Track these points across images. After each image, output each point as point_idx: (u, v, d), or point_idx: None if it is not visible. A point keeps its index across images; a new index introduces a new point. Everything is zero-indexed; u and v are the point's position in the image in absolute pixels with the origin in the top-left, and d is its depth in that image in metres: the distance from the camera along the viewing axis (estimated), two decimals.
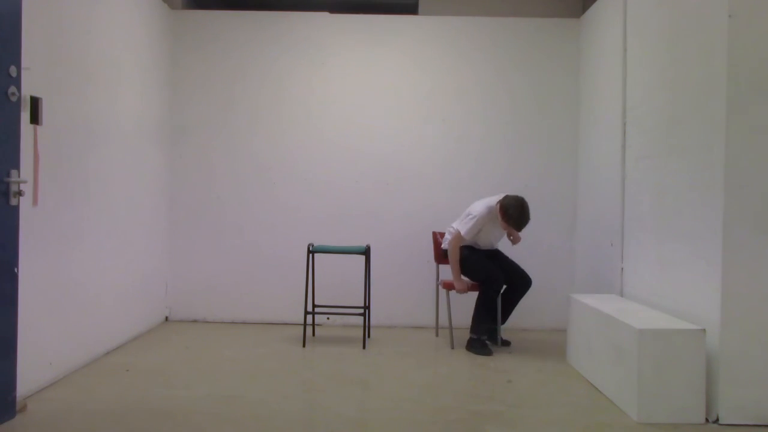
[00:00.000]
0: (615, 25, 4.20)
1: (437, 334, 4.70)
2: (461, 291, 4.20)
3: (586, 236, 4.75)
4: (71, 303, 3.44)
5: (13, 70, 2.67)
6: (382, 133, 5.02)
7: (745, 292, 2.82)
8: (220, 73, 5.01)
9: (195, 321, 5.01)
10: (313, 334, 4.62)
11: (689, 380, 2.86)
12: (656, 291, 3.47)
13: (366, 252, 4.27)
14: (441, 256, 4.56)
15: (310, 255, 4.39)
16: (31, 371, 3.01)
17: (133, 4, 4.25)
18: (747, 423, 2.82)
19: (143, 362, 3.72)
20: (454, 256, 4.20)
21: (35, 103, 2.98)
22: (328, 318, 4.96)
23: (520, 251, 4.47)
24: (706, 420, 2.88)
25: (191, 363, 3.73)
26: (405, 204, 5.01)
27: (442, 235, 4.55)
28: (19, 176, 2.70)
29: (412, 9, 5.24)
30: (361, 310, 4.63)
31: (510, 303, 4.33)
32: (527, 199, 4.18)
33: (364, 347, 4.22)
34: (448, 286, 4.31)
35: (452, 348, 4.27)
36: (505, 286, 4.27)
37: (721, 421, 2.83)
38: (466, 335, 4.27)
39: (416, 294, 4.98)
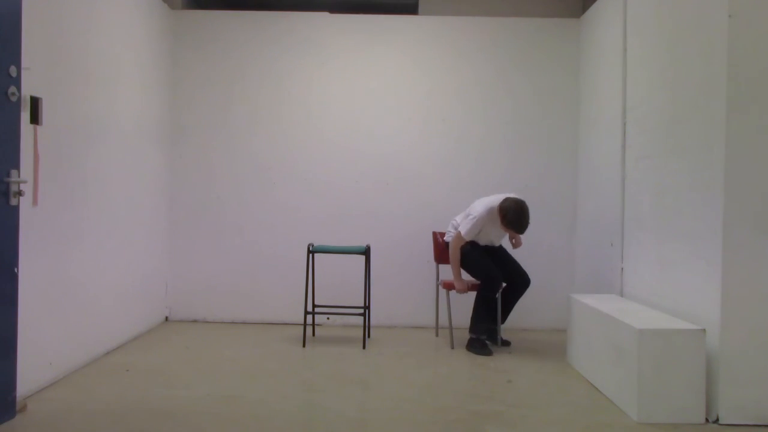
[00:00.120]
0: (615, 25, 4.20)
1: (437, 334, 4.70)
2: (461, 291, 4.20)
3: (586, 236, 4.75)
4: (71, 303, 3.44)
5: (13, 70, 2.67)
6: (382, 133, 5.02)
7: (745, 292, 2.82)
8: (220, 73, 5.01)
9: (195, 321, 5.01)
10: (313, 334, 4.62)
11: (689, 380, 2.86)
12: (656, 291, 3.47)
13: (366, 252, 4.27)
14: (441, 256, 4.56)
15: (310, 255, 4.39)
16: (31, 371, 3.01)
17: (133, 4, 4.25)
18: (747, 423, 2.82)
19: (143, 362, 3.72)
20: (454, 256, 4.20)
21: (35, 103, 2.98)
22: (328, 318, 4.96)
23: (520, 251, 4.46)
24: (706, 420, 2.88)
25: (191, 363, 3.73)
26: (405, 204, 5.01)
27: (442, 235, 4.55)
28: (19, 176, 2.70)
29: (412, 9, 5.24)
30: (361, 310, 4.63)
31: (509, 302, 4.33)
32: (527, 199, 4.17)
33: (364, 347, 4.22)
34: (448, 286, 4.31)
35: (452, 348, 4.27)
36: (504, 284, 4.27)
37: (721, 421, 2.83)
38: (466, 335, 4.27)
39: (416, 294, 4.98)
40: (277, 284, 4.99)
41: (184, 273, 5.01)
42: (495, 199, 4.18)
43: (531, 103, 5.00)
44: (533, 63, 5.00)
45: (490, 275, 4.11)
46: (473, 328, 4.19)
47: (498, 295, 4.22)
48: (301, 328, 4.52)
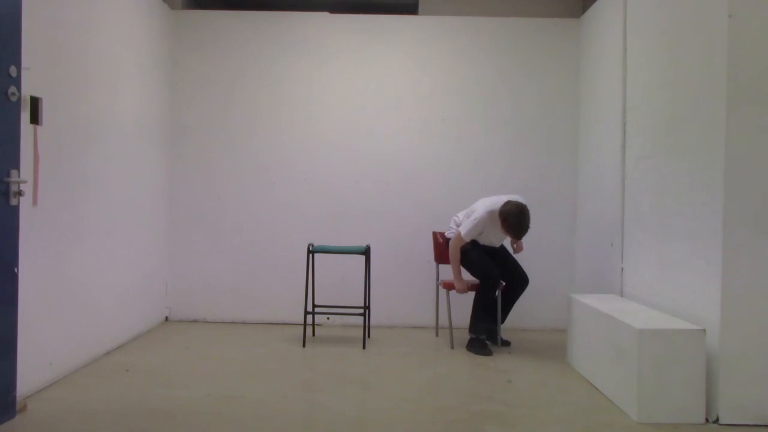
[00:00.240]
0: (615, 25, 4.20)
1: (437, 334, 4.70)
2: (461, 291, 4.20)
3: (586, 236, 4.75)
4: (71, 303, 3.44)
5: (13, 70, 2.67)
6: (382, 133, 5.02)
7: (745, 292, 2.82)
8: (220, 73, 5.01)
9: (195, 321, 5.01)
10: (313, 334, 4.62)
11: (689, 380, 2.86)
12: (656, 291, 3.47)
13: (366, 252, 4.27)
14: (441, 256, 4.56)
15: (310, 255, 4.39)
16: (31, 371, 3.01)
17: (133, 3, 4.25)
18: (747, 423, 2.82)
19: (143, 362, 3.72)
20: (454, 256, 4.20)
21: (35, 103, 2.98)
22: (328, 318, 4.97)
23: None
24: (706, 420, 2.88)
25: (191, 363, 3.73)
26: (405, 204, 5.01)
27: (443, 234, 4.54)
28: (19, 176, 2.70)
29: (412, 9, 5.24)
30: (361, 310, 4.63)
31: (508, 302, 4.32)
32: (527, 199, 4.17)
33: (364, 347, 4.22)
34: (448, 286, 4.31)
35: (452, 348, 4.27)
36: (503, 284, 4.27)
37: (721, 421, 2.83)
38: (466, 335, 4.27)
39: (416, 294, 4.98)
40: (277, 284, 4.99)
41: (184, 273, 5.01)
42: (497, 200, 4.14)
43: (531, 103, 5.00)
44: (533, 63, 5.00)
45: (489, 273, 4.11)
46: (473, 327, 4.19)
47: (497, 295, 4.22)
48: (301, 328, 4.52)
